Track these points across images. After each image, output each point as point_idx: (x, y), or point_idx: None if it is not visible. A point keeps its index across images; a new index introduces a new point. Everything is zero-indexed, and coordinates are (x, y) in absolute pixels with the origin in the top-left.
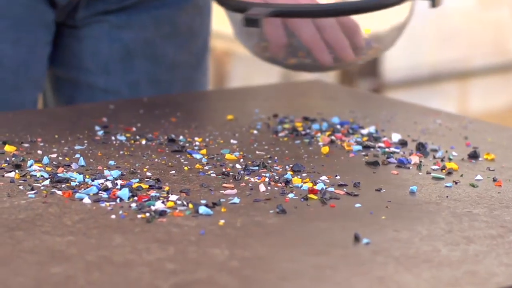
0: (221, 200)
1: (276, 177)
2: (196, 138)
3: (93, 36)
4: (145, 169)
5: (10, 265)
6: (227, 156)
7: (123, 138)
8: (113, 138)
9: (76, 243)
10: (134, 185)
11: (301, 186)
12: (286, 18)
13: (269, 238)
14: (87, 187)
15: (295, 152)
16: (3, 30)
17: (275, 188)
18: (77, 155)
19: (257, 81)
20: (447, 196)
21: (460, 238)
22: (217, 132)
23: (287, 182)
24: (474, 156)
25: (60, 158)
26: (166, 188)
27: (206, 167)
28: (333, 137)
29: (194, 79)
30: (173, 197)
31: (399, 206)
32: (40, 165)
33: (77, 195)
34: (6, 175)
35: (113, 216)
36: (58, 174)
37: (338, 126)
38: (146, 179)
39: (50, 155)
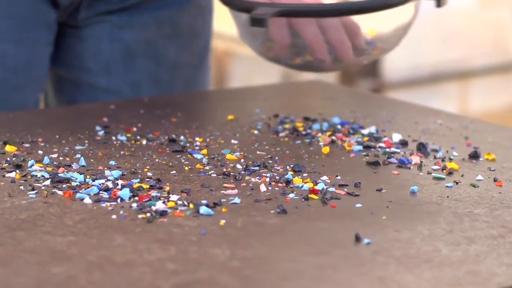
0: (222, 200)
1: (277, 177)
2: (196, 138)
3: (94, 36)
4: (145, 169)
5: (11, 265)
6: (228, 156)
7: (123, 138)
8: (113, 138)
9: (77, 243)
10: (135, 185)
11: (302, 186)
12: (292, 18)
13: (270, 238)
14: (88, 187)
15: (296, 152)
16: (5, 30)
17: (276, 188)
18: (78, 155)
19: (257, 81)
20: (448, 196)
21: (461, 238)
22: (218, 132)
23: (288, 182)
24: (474, 156)
25: (60, 158)
26: (167, 188)
27: (207, 167)
28: (333, 137)
29: (196, 79)
30: (174, 197)
31: (400, 206)
32: (41, 165)
33: (78, 195)
34: (7, 175)
35: (114, 216)
36: (59, 174)
37: (339, 126)
38: (147, 179)
39: (50, 155)
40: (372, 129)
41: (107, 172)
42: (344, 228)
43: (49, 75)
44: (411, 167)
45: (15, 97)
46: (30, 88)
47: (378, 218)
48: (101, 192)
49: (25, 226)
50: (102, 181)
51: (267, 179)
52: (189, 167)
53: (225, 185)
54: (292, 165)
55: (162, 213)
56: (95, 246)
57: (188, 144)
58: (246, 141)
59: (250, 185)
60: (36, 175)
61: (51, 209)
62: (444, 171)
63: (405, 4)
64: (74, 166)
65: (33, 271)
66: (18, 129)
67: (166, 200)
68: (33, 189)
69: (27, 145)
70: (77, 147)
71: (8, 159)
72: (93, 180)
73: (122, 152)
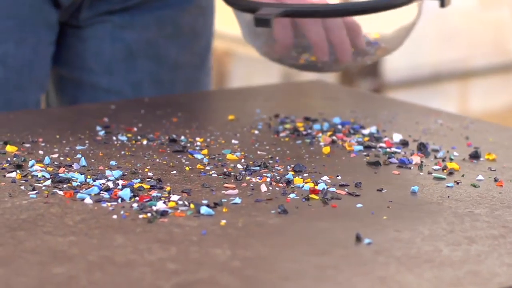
0: (223, 200)
1: (278, 177)
2: (197, 138)
3: (96, 36)
4: (146, 169)
5: (12, 265)
6: (229, 156)
7: (124, 138)
8: (114, 138)
9: (78, 243)
10: (136, 185)
11: (303, 186)
12: (297, 18)
13: (271, 238)
14: (89, 187)
15: (297, 152)
16: (7, 30)
17: (277, 188)
18: (79, 155)
19: (257, 81)
20: (448, 196)
21: (461, 238)
22: (218, 132)
23: (289, 182)
24: (475, 156)
25: (61, 158)
26: (168, 188)
27: (208, 167)
28: (334, 137)
29: (197, 80)
30: (174, 197)
31: (400, 206)
32: (42, 165)
33: (78, 195)
34: (8, 175)
35: (115, 216)
36: (60, 174)
37: (339, 126)
38: (147, 179)
39: (51, 155)
40: (373, 129)
41: (107, 172)
42: (344, 228)
43: (51, 75)
44: (412, 167)
45: (16, 97)
46: (31, 88)
47: (378, 218)
48: (101, 192)
49: (26, 226)
50: (103, 181)
51: (268, 179)
52: (190, 167)
53: (225, 185)
54: (292, 165)
55: (163, 213)
56: (96, 246)
57: (188, 144)
58: (246, 141)
59: (251, 185)
60: (37, 175)
61: (52, 209)
62: (445, 171)
63: (409, 4)
64: (75, 166)
65: (34, 271)
66: (19, 129)
67: (166, 200)
68: (33, 189)
69: (27, 145)
70: (78, 147)
71: (9, 159)
72: (94, 180)
73: (122, 152)
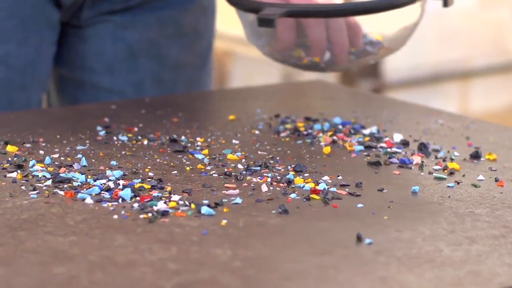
0: (223, 200)
1: (278, 177)
2: (198, 138)
3: (97, 36)
4: (147, 169)
5: (13, 265)
6: (229, 156)
7: (125, 138)
8: (115, 138)
9: (79, 243)
10: (136, 185)
11: (303, 186)
12: (300, 18)
13: (272, 238)
14: (89, 187)
15: (297, 152)
16: (9, 30)
17: (277, 188)
18: (79, 155)
19: (257, 81)
20: (449, 196)
21: (462, 238)
22: (219, 132)
23: (289, 182)
24: (476, 156)
25: (62, 158)
26: (168, 188)
27: (208, 167)
28: (335, 137)
29: (199, 80)
30: (175, 197)
31: (401, 206)
32: (42, 165)
33: (79, 195)
34: (8, 175)
35: (116, 216)
36: (60, 174)
37: (340, 126)
38: (148, 179)
39: (52, 155)
40: (373, 129)
41: (108, 172)
42: (345, 228)
43: (52, 75)
44: (413, 167)
45: (18, 97)
46: (34, 88)
47: (379, 218)
48: (102, 192)
49: (27, 226)
50: (104, 181)
51: (269, 179)
52: (191, 167)
53: (226, 185)
54: (293, 165)
55: (164, 213)
56: (97, 246)
57: (189, 144)
58: (247, 141)
59: (252, 185)
60: (38, 175)
61: (53, 209)
62: (446, 171)
63: (412, 4)
64: (76, 166)
65: (34, 271)
66: (19, 129)
67: (167, 200)
68: (34, 189)
69: (28, 145)
70: (79, 147)
71: (10, 159)
72: (95, 180)
73: (123, 152)
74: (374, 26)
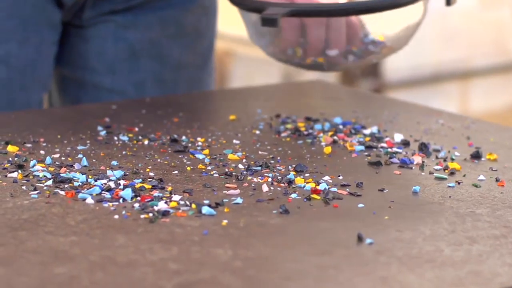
0: (224, 200)
1: (279, 177)
2: (198, 138)
3: (99, 36)
4: (147, 169)
5: (14, 265)
6: (230, 156)
7: (125, 138)
8: (115, 138)
9: (80, 243)
10: (137, 185)
11: (304, 186)
12: (303, 17)
13: (272, 238)
14: (90, 187)
15: (298, 152)
16: (10, 30)
17: (278, 188)
18: (80, 155)
19: (258, 81)
20: (450, 196)
21: (463, 238)
22: (220, 132)
23: (290, 182)
24: (476, 156)
25: (62, 158)
26: (169, 188)
27: (209, 167)
28: (335, 137)
29: (200, 80)
30: (176, 197)
31: (402, 206)
32: (43, 165)
33: (80, 195)
34: (9, 175)
35: (116, 216)
36: (61, 174)
37: (341, 126)
38: (149, 179)
39: (52, 155)
40: (374, 129)
41: (109, 172)
42: (346, 228)
43: (53, 75)
44: (413, 167)
45: (19, 97)
46: (34, 88)
47: (380, 218)
48: (103, 192)
49: (27, 226)
50: (104, 181)
51: (269, 179)
52: (191, 167)
53: (227, 185)
54: (294, 165)
55: (164, 213)
56: (98, 246)
57: (190, 144)
58: (248, 141)
59: (252, 185)
60: (38, 175)
61: (53, 209)
62: (446, 171)
63: (414, 3)
64: (76, 166)
65: (35, 271)
66: (20, 129)
67: (168, 200)
68: (35, 189)
69: (29, 145)
70: (79, 147)
71: (10, 159)
72: (95, 180)
73: (124, 152)
74: (377, 25)
